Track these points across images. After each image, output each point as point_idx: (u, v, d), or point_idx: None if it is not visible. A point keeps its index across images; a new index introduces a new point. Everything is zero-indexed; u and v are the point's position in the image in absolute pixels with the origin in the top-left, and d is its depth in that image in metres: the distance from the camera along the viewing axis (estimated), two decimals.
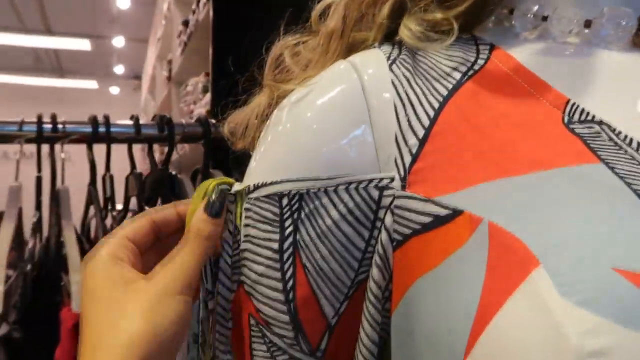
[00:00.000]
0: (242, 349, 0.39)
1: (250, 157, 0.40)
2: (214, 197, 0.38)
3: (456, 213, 0.31)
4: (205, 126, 1.07)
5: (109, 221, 1.04)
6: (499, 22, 0.42)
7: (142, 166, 2.25)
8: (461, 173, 0.33)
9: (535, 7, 0.40)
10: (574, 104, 0.35)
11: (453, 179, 0.33)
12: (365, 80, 0.37)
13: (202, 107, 2.15)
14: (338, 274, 0.36)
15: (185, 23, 2.43)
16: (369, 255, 0.36)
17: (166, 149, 1.05)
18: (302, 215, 0.36)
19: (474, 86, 0.37)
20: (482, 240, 0.30)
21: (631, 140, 0.33)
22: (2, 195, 0.98)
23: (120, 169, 1.05)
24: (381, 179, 0.35)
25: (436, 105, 0.36)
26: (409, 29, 0.39)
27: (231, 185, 0.39)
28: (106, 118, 1.01)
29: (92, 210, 1.07)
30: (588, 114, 0.35)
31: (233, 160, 0.48)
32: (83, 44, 6.62)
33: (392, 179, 0.35)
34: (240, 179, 0.40)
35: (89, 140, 1.00)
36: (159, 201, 1.01)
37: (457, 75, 0.38)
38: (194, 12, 2.17)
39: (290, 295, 0.36)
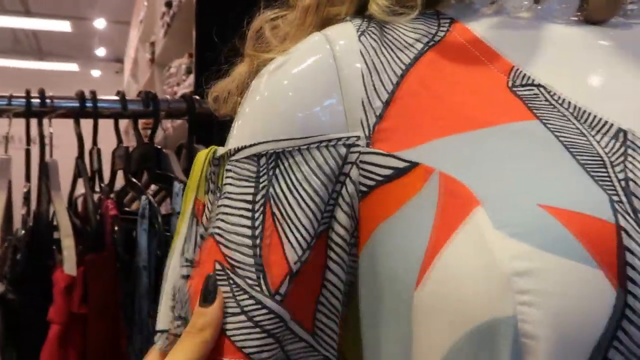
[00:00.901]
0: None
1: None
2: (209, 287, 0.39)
3: (413, 165, 0.36)
4: (189, 102, 1.11)
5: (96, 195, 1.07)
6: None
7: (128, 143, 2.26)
8: (419, 132, 0.38)
9: None
10: (517, 69, 0.40)
11: (412, 137, 0.38)
12: (337, 50, 0.41)
13: (185, 89, 2.15)
14: (304, 223, 0.39)
15: (168, 4, 2.43)
16: (330, 207, 0.40)
17: (150, 130, 1.08)
18: (277, 171, 0.40)
19: (434, 55, 0.42)
20: (433, 187, 0.35)
21: (564, 100, 0.39)
22: None
23: (107, 144, 1.08)
24: (349, 137, 0.39)
25: (399, 72, 0.41)
26: (377, 4, 0.43)
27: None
28: (93, 93, 1.04)
29: (79, 185, 1.10)
30: (529, 78, 0.40)
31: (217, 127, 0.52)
32: (63, 26, 6.52)
33: (359, 138, 0.39)
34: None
35: (77, 114, 1.02)
36: (145, 174, 1.04)
37: (419, 46, 0.42)
38: None
39: (258, 240, 0.39)
